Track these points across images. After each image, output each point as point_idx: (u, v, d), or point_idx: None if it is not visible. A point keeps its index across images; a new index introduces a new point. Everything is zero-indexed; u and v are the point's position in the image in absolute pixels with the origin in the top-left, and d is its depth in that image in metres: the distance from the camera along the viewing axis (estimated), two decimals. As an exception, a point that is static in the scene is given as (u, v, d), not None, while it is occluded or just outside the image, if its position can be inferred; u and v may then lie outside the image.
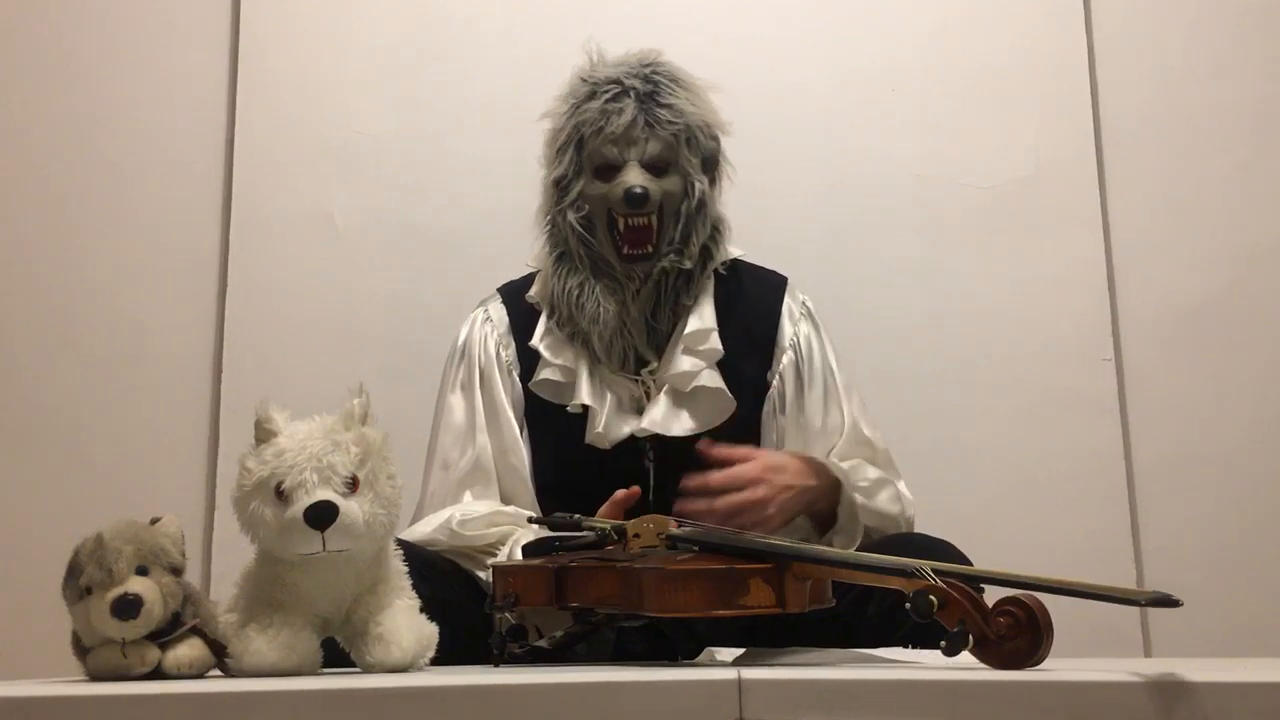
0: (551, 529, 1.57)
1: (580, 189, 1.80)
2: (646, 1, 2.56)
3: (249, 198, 2.48)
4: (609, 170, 1.79)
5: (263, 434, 1.25)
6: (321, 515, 1.19)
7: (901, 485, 1.81)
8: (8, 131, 2.52)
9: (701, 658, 1.46)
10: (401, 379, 2.34)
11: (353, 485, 1.23)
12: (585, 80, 1.83)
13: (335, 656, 1.30)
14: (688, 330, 1.80)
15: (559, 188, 1.82)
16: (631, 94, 1.78)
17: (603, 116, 1.78)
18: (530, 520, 1.63)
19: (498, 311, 1.89)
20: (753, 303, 1.87)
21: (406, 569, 1.34)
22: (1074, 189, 2.51)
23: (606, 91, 1.79)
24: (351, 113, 2.52)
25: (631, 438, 1.77)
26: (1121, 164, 2.53)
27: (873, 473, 1.76)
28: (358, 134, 2.52)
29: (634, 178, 1.76)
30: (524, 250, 2.17)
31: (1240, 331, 2.47)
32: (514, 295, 1.90)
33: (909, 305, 2.46)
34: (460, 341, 1.88)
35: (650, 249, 1.78)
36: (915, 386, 2.39)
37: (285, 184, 2.49)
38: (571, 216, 1.79)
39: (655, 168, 1.78)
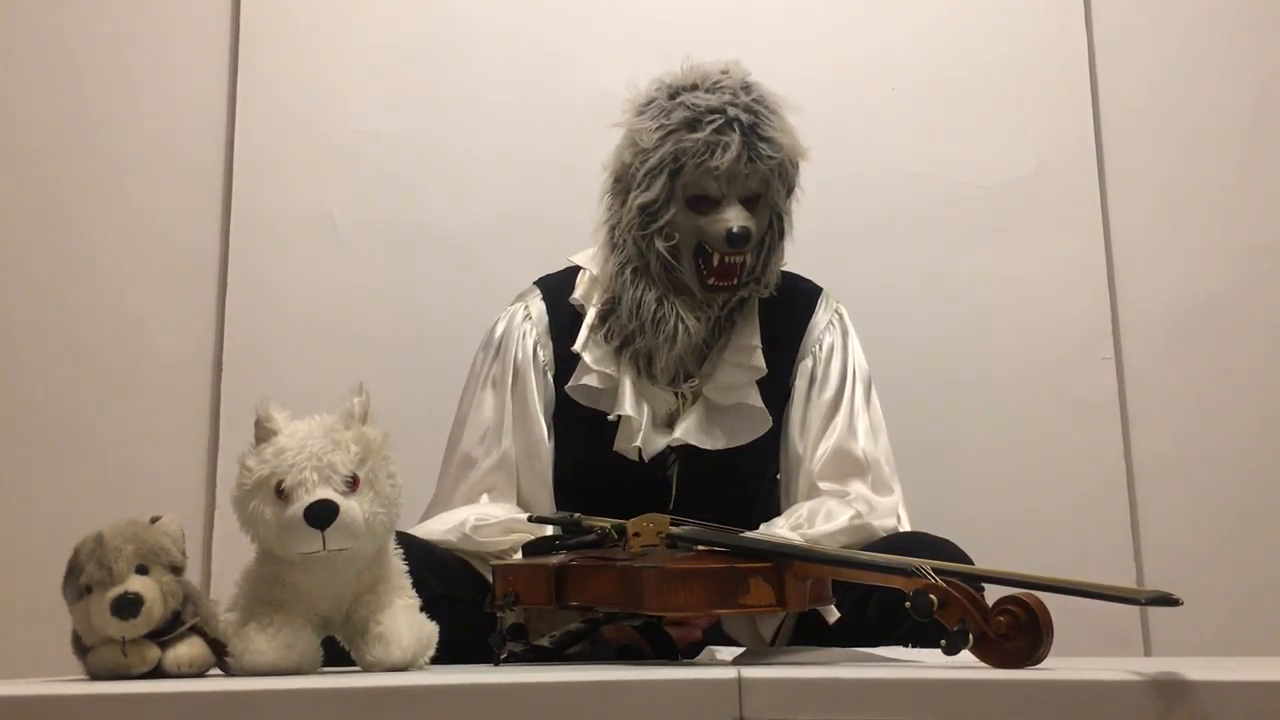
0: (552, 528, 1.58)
1: (671, 217, 1.74)
2: (646, 2, 2.56)
3: (249, 198, 2.48)
4: (705, 203, 1.74)
5: (263, 433, 1.25)
6: (321, 514, 1.19)
7: (863, 488, 1.75)
8: (8, 131, 2.52)
9: (701, 657, 1.46)
10: (401, 379, 2.34)
11: (353, 484, 1.23)
12: (684, 104, 1.73)
13: (335, 655, 1.30)
14: (733, 345, 1.79)
15: (646, 212, 1.75)
16: (736, 126, 1.71)
17: (707, 149, 1.71)
18: (530, 519, 1.63)
19: (538, 309, 1.86)
20: (788, 313, 1.86)
21: (418, 564, 1.35)
22: (1074, 188, 2.51)
23: (711, 121, 1.71)
24: (351, 113, 2.52)
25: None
26: (1121, 163, 2.53)
27: (806, 508, 1.69)
28: (358, 134, 2.51)
29: (736, 218, 1.71)
30: (524, 250, 2.17)
31: (1240, 331, 2.47)
32: (555, 293, 1.87)
33: (909, 305, 2.46)
34: (497, 335, 1.86)
35: (736, 281, 1.75)
36: (915, 386, 2.38)
37: (285, 184, 2.49)
38: (660, 245, 1.74)
39: (749, 202, 1.75)
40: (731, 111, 1.72)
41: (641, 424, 1.76)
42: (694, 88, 1.75)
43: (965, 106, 2.54)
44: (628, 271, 1.78)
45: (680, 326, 1.75)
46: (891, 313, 2.42)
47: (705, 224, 1.73)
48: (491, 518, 1.69)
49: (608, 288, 1.81)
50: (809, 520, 1.65)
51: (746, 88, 1.75)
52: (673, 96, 1.75)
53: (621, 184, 1.80)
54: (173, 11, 2.57)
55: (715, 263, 1.74)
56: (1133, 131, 2.54)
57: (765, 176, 1.74)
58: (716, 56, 1.82)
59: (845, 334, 1.87)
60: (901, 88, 2.55)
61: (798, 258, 1.91)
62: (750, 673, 0.98)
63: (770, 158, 1.73)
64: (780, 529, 1.64)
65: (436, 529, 1.69)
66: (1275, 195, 2.52)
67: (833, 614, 1.51)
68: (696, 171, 1.72)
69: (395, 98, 2.53)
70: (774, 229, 1.78)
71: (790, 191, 1.80)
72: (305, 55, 2.54)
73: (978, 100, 2.55)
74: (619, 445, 1.77)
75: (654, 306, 1.75)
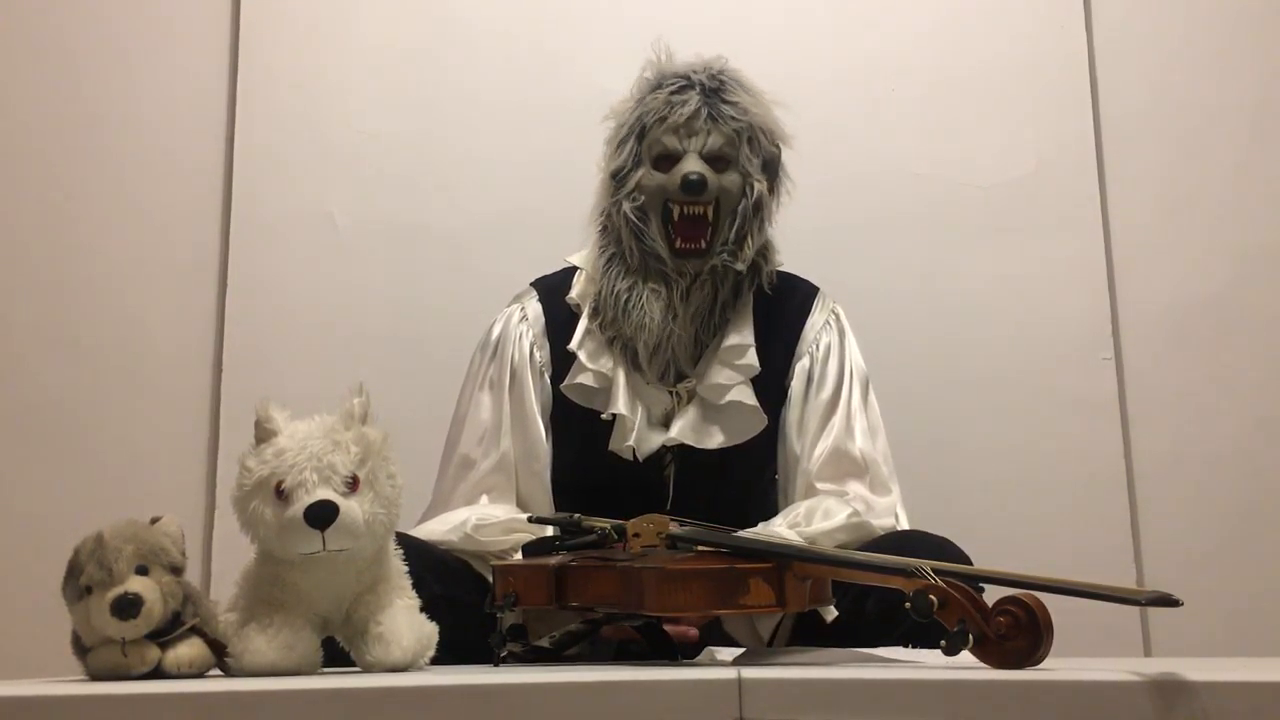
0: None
1: (638, 180, 1.78)
2: (646, 2, 2.56)
3: (249, 198, 2.48)
4: (668, 160, 1.78)
5: (263, 433, 1.25)
6: (321, 515, 1.19)
7: (861, 488, 1.75)
8: (9, 131, 2.52)
9: (701, 658, 1.46)
10: (401, 379, 2.34)
11: (353, 485, 1.23)
12: (651, 77, 1.83)
13: (335, 656, 1.30)
14: (726, 344, 1.79)
15: (616, 179, 1.80)
16: (697, 87, 1.78)
17: (666, 106, 1.77)
18: (530, 520, 1.64)
19: (534, 309, 1.86)
20: (784, 313, 1.86)
21: (418, 565, 1.35)
22: (1074, 188, 2.51)
23: (672, 84, 1.79)
24: (351, 113, 2.52)
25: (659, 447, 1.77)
26: (1121, 163, 2.53)
27: (804, 506, 1.69)
28: (358, 134, 2.52)
29: (693, 165, 1.75)
30: (524, 250, 2.17)
31: (1240, 331, 2.47)
32: (551, 293, 1.87)
33: (908, 305, 2.46)
34: (493, 337, 1.86)
35: (704, 244, 1.76)
36: (915, 386, 2.39)
37: (285, 184, 2.49)
38: (627, 207, 1.77)
39: (715, 162, 1.77)
40: (694, 76, 1.79)
41: (636, 423, 1.76)
42: (664, 64, 1.83)
43: (965, 106, 2.54)
44: (603, 260, 1.80)
45: (647, 315, 1.75)
46: (891, 313, 2.42)
47: (667, 180, 1.77)
48: (493, 518, 1.69)
49: (597, 280, 1.81)
50: (806, 519, 1.66)
51: (716, 66, 1.81)
52: (648, 77, 1.83)
53: (605, 164, 1.84)
54: (173, 11, 2.57)
55: (677, 217, 1.76)
56: (1133, 131, 2.54)
57: (731, 138, 1.77)
58: (716, 56, 1.83)
59: (842, 334, 1.87)
60: (901, 88, 2.55)
61: (797, 257, 1.91)
62: (750, 673, 0.98)
63: (734, 119, 1.77)
64: (778, 527, 1.64)
65: (438, 529, 1.69)
66: (1275, 195, 2.52)
67: (831, 613, 1.51)
68: (658, 129, 1.78)
69: (395, 98, 2.53)
70: (748, 199, 1.78)
71: (769, 168, 1.81)
72: (305, 55, 2.54)
73: (978, 100, 2.55)
74: (614, 445, 1.77)
75: (625, 295, 1.76)
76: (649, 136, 1.78)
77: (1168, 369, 2.47)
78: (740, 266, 1.79)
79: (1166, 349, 2.47)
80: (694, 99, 1.77)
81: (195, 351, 2.44)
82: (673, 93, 1.78)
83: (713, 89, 1.78)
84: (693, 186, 1.73)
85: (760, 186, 1.79)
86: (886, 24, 2.57)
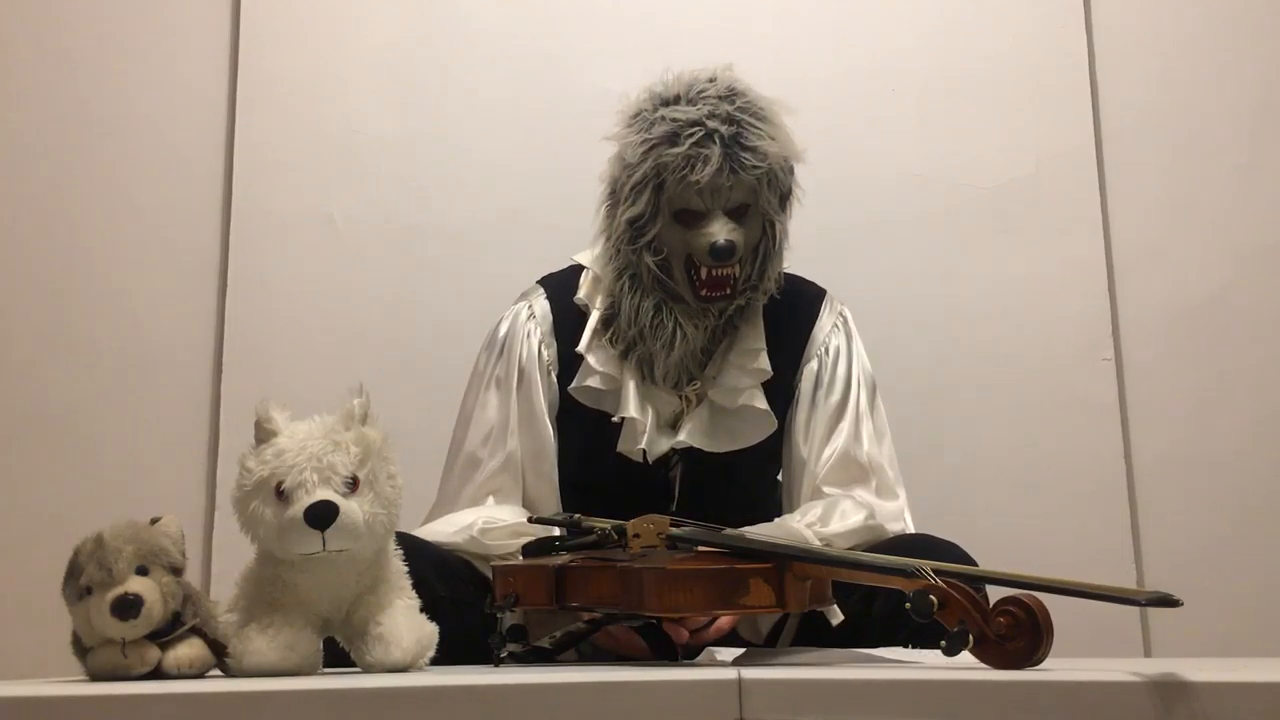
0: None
1: (658, 232, 1.74)
2: (646, 2, 2.56)
3: (249, 198, 2.48)
4: (691, 216, 1.73)
5: (263, 434, 1.25)
6: (321, 515, 1.19)
7: (867, 494, 1.75)
8: (9, 131, 2.52)
9: (701, 658, 1.46)
10: (401, 379, 2.34)
11: (353, 485, 1.23)
12: (665, 118, 1.72)
13: (335, 656, 1.30)
14: (737, 349, 1.79)
15: (634, 227, 1.75)
16: (716, 139, 1.69)
17: (686, 164, 1.69)
18: (530, 520, 1.63)
19: (542, 308, 1.85)
20: (792, 316, 1.86)
21: (421, 565, 1.35)
22: (1074, 189, 2.51)
23: (690, 135, 1.70)
24: (351, 113, 2.52)
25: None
26: (1121, 164, 2.53)
27: (820, 506, 1.70)
28: (358, 134, 2.51)
29: (720, 231, 1.70)
30: (524, 250, 2.17)
31: (1240, 332, 2.47)
32: (559, 292, 1.86)
33: (909, 305, 2.46)
34: (501, 335, 1.85)
35: (729, 291, 1.74)
36: (915, 387, 2.39)
37: (285, 184, 2.49)
38: (649, 259, 1.74)
39: (737, 213, 1.73)
40: (711, 124, 1.70)
41: (646, 426, 1.76)
42: (676, 99, 1.74)
43: (965, 107, 2.54)
44: (625, 278, 1.78)
45: (678, 332, 1.74)
46: (891, 314, 2.42)
47: (691, 238, 1.73)
48: (500, 521, 1.69)
49: (610, 292, 1.81)
50: (823, 519, 1.66)
51: (730, 96, 1.73)
52: (657, 109, 1.74)
53: (614, 197, 1.79)
54: (173, 11, 2.56)
55: (704, 275, 1.73)
56: (1133, 131, 2.54)
57: (751, 186, 1.72)
58: (716, 57, 1.82)
59: (850, 337, 1.87)
60: (901, 88, 2.55)
61: (797, 259, 1.91)
62: (750, 673, 0.98)
63: (755, 167, 1.71)
64: (796, 525, 1.64)
65: (444, 531, 1.69)
66: (1275, 195, 2.52)
67: (836, 615, 1.51)
68: (679, 186, 1.71)
69: (395, 98, 2.53)
70: (768, 236, 1.77)
71: (784, 197, 1.78)
72: (305, 55, 2.54)
73: (978, 100, 2.54)
74: (623, 447, 1.77)
75: (652, 313, 1.75)
76: (669, 191, 1.72)
77: (1168, 369, 2.47)
78: (765, 299, 1.80)
79: (1166, 349, 2.47)
80: (715, 155, 1.68)
81: (195, 351, 2.44)
82: (692, 145, 1.69)
83: (731, 136, 1.70)
84: (722, 254, 1.69)
85: (781, 225, 1.77)
86: (886, 24, 2.57)
